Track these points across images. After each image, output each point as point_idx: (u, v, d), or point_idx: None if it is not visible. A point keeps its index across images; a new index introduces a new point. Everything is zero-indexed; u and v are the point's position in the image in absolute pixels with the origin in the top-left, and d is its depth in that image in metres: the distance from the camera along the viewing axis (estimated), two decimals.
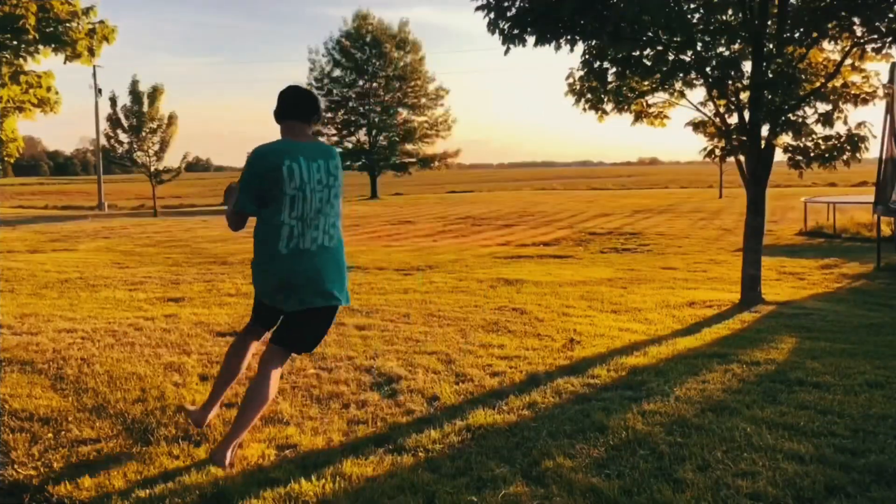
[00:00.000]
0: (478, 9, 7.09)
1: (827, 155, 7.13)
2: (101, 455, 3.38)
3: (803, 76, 7.22)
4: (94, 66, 37.46)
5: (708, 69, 7.22)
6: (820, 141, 7.25)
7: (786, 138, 7.42)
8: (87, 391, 4.30)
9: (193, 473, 3.14)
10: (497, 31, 7.09)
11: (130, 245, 15.89)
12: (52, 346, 5.42)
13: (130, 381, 4.48)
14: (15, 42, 11.02)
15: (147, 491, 2.99)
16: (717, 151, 8.15)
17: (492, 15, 7.04)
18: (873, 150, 7.94)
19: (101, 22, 11.59)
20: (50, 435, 3.63)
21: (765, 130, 7.33)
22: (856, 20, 6.65)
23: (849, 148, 7.07)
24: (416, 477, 3.07)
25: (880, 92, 7.35)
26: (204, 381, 4.52)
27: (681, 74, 7.42)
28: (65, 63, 11.30)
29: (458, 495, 2.90)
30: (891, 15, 6.42)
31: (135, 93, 29.16)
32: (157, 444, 3.49)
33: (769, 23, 7.06)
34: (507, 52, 7.15)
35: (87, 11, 11.46)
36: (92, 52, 11.53)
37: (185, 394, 4.23)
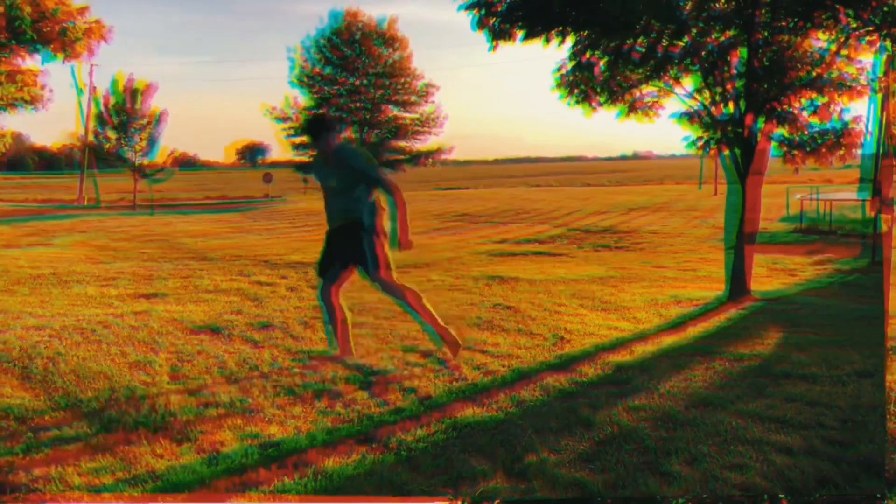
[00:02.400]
0: (463, 8, 7.04)
1: (822, 149, 7.11)
2: (81, 455, 3.33)
3: (796, 66, 7.17)
4: (79, 64, 37.29)
5: (703, 53, 7.14)
6: (815, 135, 7.22)
7: (780, 130, 7.38)
8: (56, 390, 4.23)
9: (180, 472, 3.10)
10: (485, 28, 7.06)
11: (106, 240, 15.69)
12: (20, 343, 5.31)
13: (98, 380, 4.39)
14: (12, 41, 10.99)
15: (135, 490, 2.95)
16: (712, 143, 8.07)
17: (481, 12, 7.01)
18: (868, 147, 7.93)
19: (96, 21, 11.58)
20: (28, 434, 3.58)
21: (758, 123, 7.29)
22: (848, 11, 6.61)
23: (843, 142, 7.05)
24: (396, 476, 3.03)
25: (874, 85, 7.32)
26: (175, 380, 4.45)
27: (675, 61, 7.35)
28: (63, 63, 11.29)
29: (434, 492, 2.86)
30: (884, 9, 6.39)
31: (122, 90, 29.04)
32: (139, 443, 3.44)
33: (762, 11, 7.00)
34: (493, 48, 7.13)
35: (81, 11, 11.44)
36: (90, 51, 11.50)
37: (154, 392, 4.16)
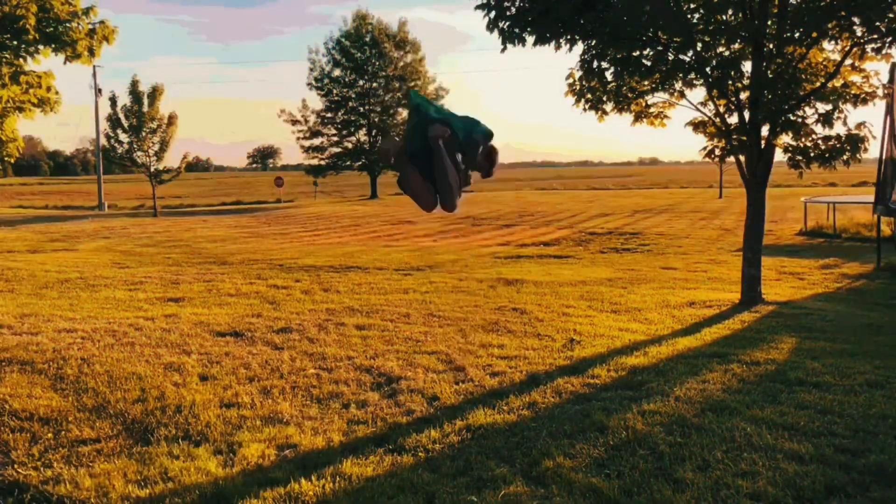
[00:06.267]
0: (477, 7, 7.10)
1: (827, 155, 7.13)
2: (101, 455, 3.38)
3: (803, 76, 7.21)
4: (94, 66, 37.41)
5: (708, 69, 7.21)
6: (820, 141, 7.24)
7: (786, 138, 7.42)
8: (87, 391, 4.30)
9: (193, 473, 3.14)
10: (496, 30, 7.10)
11: (130, 245, 15.88)
12: (53, 345, 5.42)
13: (130, 381, 4.47)
14: (15, 42, 11.03)
15: (147, 491, 2.99)
16: (717, 151, 8.14)
17: (492, 14, 7.05)
18: (873, 150, 7.95)
19: (102, 22, 11.61)
20: (50, 435, 3.63)
21: (765, 130, 7.33)
22: (856, 20, 6.64)
23: (849, 148, 7.06)
24: (416, 477, 3.07)
25: (880, 92, 7.34)
26: (204, 381, 4.52)
27: (680, 74, 7.42)
28: (65, 63, 11.32)
29: (458, 495, 2.90)
30: (891, 15, 6.41)
31: (135, 93, 29.16)
32: (157, 444, 3.49)
33: (769, 23, 7.05)
34: (503, 50, 7.17)
35: (87, 11, 11.47)
36: (92, 52, 11.54)
37: (184, 394, 4.23)
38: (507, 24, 7.04)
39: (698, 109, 7.92)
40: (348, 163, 44.59)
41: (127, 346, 5.41)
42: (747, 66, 7.26)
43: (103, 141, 32.18)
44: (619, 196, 38.75)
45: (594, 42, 7.28)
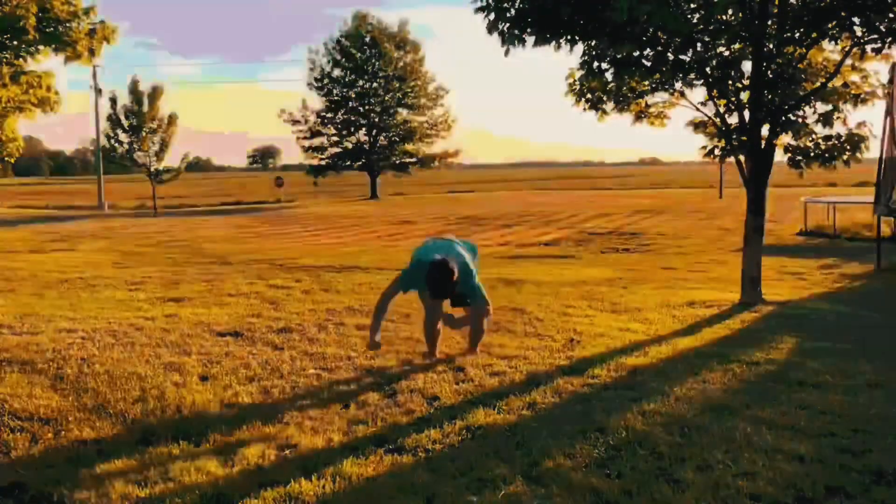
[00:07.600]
0: (477, 10, 7.09)
1: (827, 155, 7.14)
2: (102, 455, 3.38)
3: (803, 76, 7.22)
4: (94, 67, 37.41)
5: (708, 69, 7.22)
6: (820, 141, 7.25)
7: (786, 138, 7.43)
8: (87, 391, 4.30)
9: (193, 473, 3.14)
10: (497, 32, 7.10)
11: (131, 245, 15.89)
12: (53, 345, 5.42)
13: (131, 381, 4.48)
14: (15, 42, 11.05)
15: (147, 491, 2.99)
16: (717, 151, 8.15)
17: (491, 16, 7.04)
18: (873, 150, 7.96)
19: (102, 22, 11.63)
20: (50, 435, 3.63)
21: (765, 130, 7.33)
22: (856, 20, 6.65)
23: (849, 148, 7.07)
24: (416, 477, 3.07)
25: (880, 92, 7.35)
26: (204, 381, 4.53)
27: (680, 74, 7.42)
28: (65, 63, 11.35)
29: (458, 495, 2.90)
30: (891, 15, 6.42)
31: (135, 93, 29.21)
32: (157, 444, 3.50)
33: (769, 23, 7.06)
34: (507, 52, 7.15)
35: (87, 12, 11.49)
36: (92, 53, 11.56)
37: (184, 394, 4.23)
38: (507, 25, 7.03)
39: (698, 109, 7.92)
40: (348, 163, 44.61)
41: (127, 346, 5.42)
42: (747, 66, 7.26)
43: (103, 141, 32.19)
44: (619, 196, 38.74)
45: (594, 42, 7.28)
